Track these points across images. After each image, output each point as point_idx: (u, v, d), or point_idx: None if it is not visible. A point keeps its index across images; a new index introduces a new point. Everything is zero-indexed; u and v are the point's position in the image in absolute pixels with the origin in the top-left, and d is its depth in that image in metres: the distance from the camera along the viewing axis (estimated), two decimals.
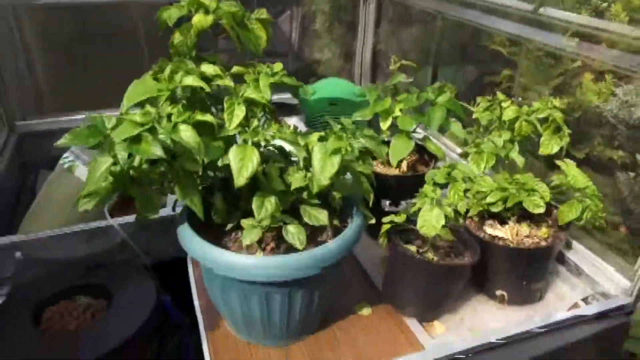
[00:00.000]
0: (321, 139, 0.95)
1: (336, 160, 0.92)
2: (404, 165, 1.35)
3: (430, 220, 0.99)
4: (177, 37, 1.02)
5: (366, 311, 1.19)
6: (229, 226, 1.03)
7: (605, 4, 1.78)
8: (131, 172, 0.87)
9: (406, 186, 1.31)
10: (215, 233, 1.01)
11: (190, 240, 0.97)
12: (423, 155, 1.41)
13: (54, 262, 1.30)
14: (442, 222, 0.98)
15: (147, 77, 0.96)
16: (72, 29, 1.86)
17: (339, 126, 0.98)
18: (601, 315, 1.10)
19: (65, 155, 1.37)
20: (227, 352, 1.08)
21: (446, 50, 1.88)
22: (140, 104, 0.92)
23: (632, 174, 1.63)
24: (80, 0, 1.81)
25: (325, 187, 0.92)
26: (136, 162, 0.86)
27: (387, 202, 1.36)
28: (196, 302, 1.22)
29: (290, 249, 0.97)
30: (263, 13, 1.11)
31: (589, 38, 1.49)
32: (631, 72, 1.42)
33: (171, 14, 0.99)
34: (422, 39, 1.96)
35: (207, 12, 1.03)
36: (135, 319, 1.17)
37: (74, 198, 1.32)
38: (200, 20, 0.99)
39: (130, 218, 1.39)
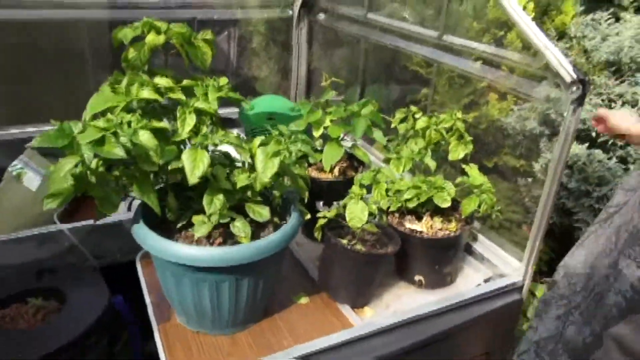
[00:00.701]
0: (262, 144, 1.10)
1: (276, 161, 1.07)
2: (336, 170, 1.52)
3: (357, 212, 1.16)
4: (131, 53, 1.13)
5: (304, 300, 1.34)
6: (180, 224, 1.14)
7: (502, 32, 2.08)
8: (92, 172, 0.97)
9: (338, 189, 1.47)
10: (166, 231, 1.12)
11: (147, 237, 1.07)
12: (352, 162, 1.58)
13: (4, 267, 1.34)
14: (367, 214, 1.15)
15: (105, 88, 1.07)
16: (15, 44, 1.88)
17: (277, 132, 1.13)
18: (500, 292, 1.31)
19: (14, 163, 1.41)
20: (179, 342, 1.18)
21: (372, 69, 2.09)
22: (100, 114, 1.02)
23: (529, 179, 1.91)
24: (24, 17, 1.85)
25: (267, 184, 1.07)
26: (94, 164, 0.97)
27: (321, 203, 1.52)
28: (147, 299, 1.31)
29: (236, 244, 1.10)
30: (208, 34, 1.25)
31: (490, 62, 1.73)
32: (526, 96, 1.63)
33: (127, 34, 1.11)
34: (350, 59, 2.17)
35: (158, 32, 1.15)
36: (87, 318, 1.24)
37: (22, 205, 1.39)
38: (153, 39, 1.12)
39: (79, 224, 1.45)
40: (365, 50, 2.04)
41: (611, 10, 2.22)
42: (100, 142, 0.91)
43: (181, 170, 1.14)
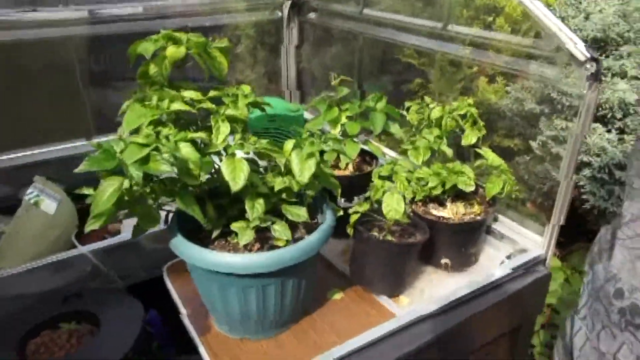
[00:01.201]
0: (295, 147, 1.11)
1: (312, 162, 1.08)
2: (350, 166, 1.55)
3: (394, 205, 1.18)
4: (152, 68, 1.12)
5: (338, 295, 1.36)
6: (216, 232, 1.14)
7: (491, 18, 2.14)
8: (136, 191, 0.96)
9: (356, 184, 1.50)
10: (200, 242, 1.12)
11: (192, 250, 1.07)
12: (365, 157, 1.61)
13: (29, 296, 1.31)
14: (403, 205, 1.18)
15: (134, 104, 1.06)
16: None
17: (308, 134, 1.14)
18: (526, 267, 1.36)
19: (29, 191, 1.38)
20: (223, 351, 1.18)
21: (368, 64, 2.12)
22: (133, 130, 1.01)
23: (527, 158, 1.97)
24: (13, 38, 1.80)
25: (304, 185, 1.08)
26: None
27: (342, 200, 1.54)
28: (183, 311, 1.30)
29: (272, 248, 1.11)
30: (224, 42, 1.25)
31: (483, 46, 1.77)
32: (517, 72, 1.68)
33: (147, 48, 1.10)
34: (344, 55, 2.19)
35: (177, 43, 1.15)
36: (125, 338, 1.23)
37: (42, 230, 1.37)
38: (174, 52, 1.11)
39: (100, 244, 1.43)
40: (362, 46, 2.06)
41: None
42: (145, 159, 0.91)
43: (216, 179, 1.16)
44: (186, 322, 1.26)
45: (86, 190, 1.07)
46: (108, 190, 0.95)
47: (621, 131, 1.77)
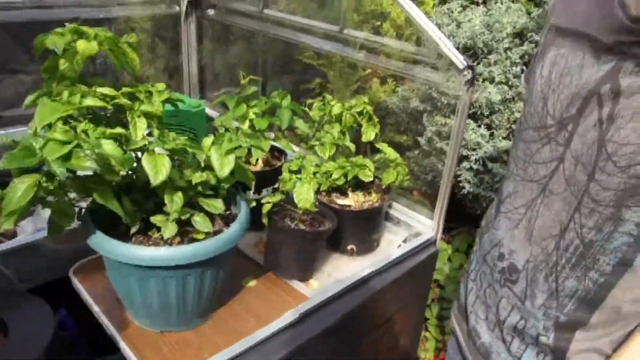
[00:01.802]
0: (214, 143, 1.16)
1: (232, 157, 1.14)
2: (260, 161, 1.62)
3: (304, 194, 1.28)
4: (62, 63, 1.09)
5: (252, 283, 1.43)
6: (135, 227, 1.16)
7: (378, 23, 2.34)
8: (53, 187, 0.95)
9: (265, 178, 1.58)
10: (116, 237, 1.12)
11: (109, 243, 1.08)
12: (273, 152, 1.69)
13: None
14: (313, 195, 1.28)
15: (44, 100, 1.03)
16: None
17: (224, 130, 1.20)
18: (419, 248, 1.55)
19: None
20: (146, 345, 1.20)
21: (269, 63, 2.20)
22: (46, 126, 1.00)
23: (416, 152, 2.20)
24: None
25: (226, 180, 1.14)
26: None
27: (251, 193, 1.61)
28: (96, 309, 1.29)
29: (191, 241, 1.16)
30: (132, 37, 1.25)
31: (373, 50, 1.95)
32: (405, 75, 1.89)
33: (57, 42, 1.07)
34: (246, 53, 2.24)
35: (85, 38, 1.13)
36: (38, 341, 1.19)
37: None
38: (86, 47, 1.10)
39: (1, 246, 1.35)
40: (263, 45, 2.14)
41: (461, 1, 2.60)
42: (67, 156, 0.91)
43: (131, 174, 1.17)
44: (103, 319, 1.25)
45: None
46: (21, 188, 0.93)
47: (488, 127, 2.06)
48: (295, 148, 2.04)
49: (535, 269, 0.92)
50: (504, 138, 2.02)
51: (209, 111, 2.30)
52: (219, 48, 2.34)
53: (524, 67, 2.08)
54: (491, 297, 1.01)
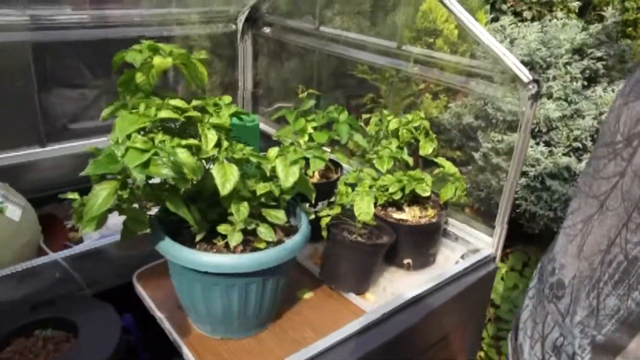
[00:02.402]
0: (279, 154, 1.19)
1: (296, 169, 1.16)
2: (317, 174, 1.64)
3: (364, 207, 1.29)
4: (139, 77, 1.15)
5: (308, 295, 1.44)
6: (201, 235, 1.19)
7: (431, 40, 2.34)
8: (130, 194, 1.00)
9: (321, 191, 1.59)
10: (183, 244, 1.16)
11: (182, 252, 1.11)
12: (328, 166, 1.71)
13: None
14: (372, 208, 1.29)
15: (123, 112, 1.09)
16: None
17: (289, 142, 1.23)
18: (479, 264, 1.52)
19: None
20: (207, 351, 1.22)
21: (323, 78, 2.23)
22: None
23: (470, 168, 2.17)
24: None
25: (289, 191, 1.16)
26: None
27: (307, 205, 1.63)
28: (159, 314, 1.33)
29: (253, 250, 1.18)
30: (202, 54, 1.30)
31: (430, 65, 1.95)
32: (462, 88, 1.88)
33: (135, 57, 1.13)
34: (300, 69, 2.29)
35: (160, 54, 1.19)
36: (105, 343, 1.23)
37: (8, 237, 1.34)
38: (161, 62, 1.15)
39: (72, 251, 1.42)
40: (317, 61, 2.18)
41: (511, 17, 2.58)
42: (146, 163, 0.95)
43: (198, 184, 1.21)
44: (166, 324, 1.29)
45: (71, 195, 1.09)
46: (102, 195, 0.98)
47: (547, 144, 2.01)
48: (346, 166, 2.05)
49: (579, 284, 0.89)
50: (564, 154, 1.97)
51: (262, 126, 2.36)
52: (273, 64, 2.40)
53: (585, 83, 2.03)
54: (540, 314, 0.98)
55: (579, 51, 2.10)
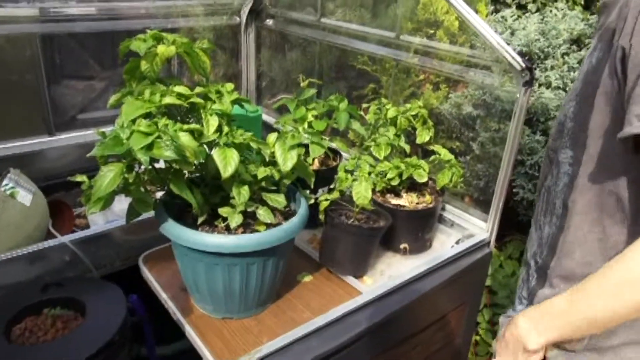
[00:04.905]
0: (278, 139, 1.23)
1: (294, 153, 1.21)
2: (316, 161, 1.68)
3: (362, 192, 1.33)
4: (144, 65, 1.20)
5: (308, 278, 1.48)
6: (202, 217, 1.24)
7: (432, 31, 2.37)
8: (135, 176, 1.05)
9: (321, 178, 1.63)
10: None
11: (185, 232, 1.16)
12: (327, 154, 1.75)
13: (10, 285, 1.33)
14: (370, 192, 1.33)
15: (129, 98, 1.14)
16: None
17: (288, 127, 1.27)
18: (473, 248, 1.56)
19: (5, 182, 1.39)
20: (210, 330, 1.27)
21: (324, 69, 2.27)
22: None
23: (468, 158, 2.20)
24: None
25: (288, 175, 1.21)
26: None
27: (307, 192, 1.67)
28: (164, 295, 1.38)
29: (253, 232, 1.22)
30: (205, 43, 1.35)
31: (429, 55, 1.98)
32: (460, 78, 1.91)
33: (140, 46, 1.18)
34: (302, 60, 2.33)
35: (164, 43, 1.24)
36: (112, 321, 1.28)
37: (21, 220, 1.40)
38: (165, 50, 1.20)
39: (80, 235, 1.47)
40: (319, 52, 2.22)
41: (513, 9, 2.60)
42: (150, 146, 1.00)
43: (201, 168, 1.25)
44: (170, 305, 1.34)
45: (79, 178, 1.15)
46: (109, 176, 1.03)
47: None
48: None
49: (534, 223, 1.13)
50: None
51: (265, 117, 2.40)
52: (276, 56, 2.44)
53: None
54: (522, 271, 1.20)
55: (577, 41, 2.12)
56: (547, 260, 1.03)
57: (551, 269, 1.00)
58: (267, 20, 2.36)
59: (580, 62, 2.02)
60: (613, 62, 0.84)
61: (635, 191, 0.86)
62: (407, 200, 1.56)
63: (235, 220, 1.17)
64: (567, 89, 2.03)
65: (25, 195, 1.41)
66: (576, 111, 0.97)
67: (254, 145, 1.21)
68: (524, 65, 1.34)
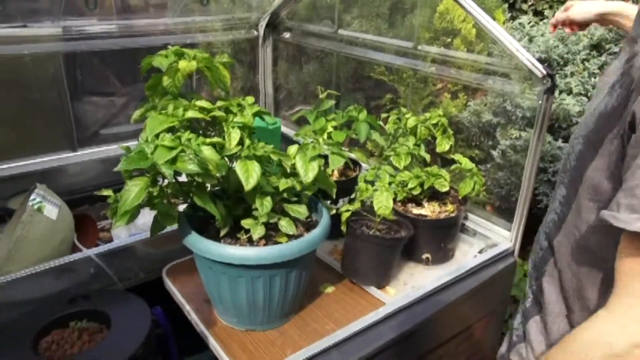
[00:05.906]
0: (299, 151, 1.24)
1: (315, 164, 1.21)
2: (336, 172, 1.69)
3: (383, 202, 1.33)
4: (166, 80, 1.22)
5: (330, 289, 1.48)
6: (225, 229, 1.25)
7: (449, 39, 2.37)
8: (160, 189, 1.06)
9: (341, 189, 1.63)
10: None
11: (204, 243, 1.17)
12: (347, 164, 1.75)
13: (38, 298, 1.35)
14: (392, 202, 1.32)
15: (153, 113, 1.16)
16: None
17: (309, 140, 1.27)
18: (497, 258, 1.54)
19: (32, 197, 1.42)
20: (234, 342, 1.27)
21: (341, 80, 2.28)
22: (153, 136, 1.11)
23: (488, 166, 2.18)
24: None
25: (310, 186, 1.21)
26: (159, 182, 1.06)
27: (328, 202, 1.67)
28: (187, 307, 1.39)
29: (275, 244, 1.22)
30: (225, 57, 1.37)
31: (448, 64, 1.98)
32: (477, 85, 1.91)
33: (162, 62, 1.20)
34: (319, 72, 2.35)
35: (185, 58, 1.26)
36: (137, 334, 1.29)
37: (48, 235, 1.42)
38: (186, 65, 1.22)
39: (105, 248, 1.49)
40: (336, 64, 2.23)
41: (530, 15, 2.59)
42: (174, 160, 1.01)
43: (223, 181, 1.26)
44: (193, 316, 1.34)
45: (105, 192, 1.17)
46: (134, 190, 1.04)
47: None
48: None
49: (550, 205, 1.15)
50: None
51: (284, 129, 2.41)
52: (293, 68, 2.46)
53: None
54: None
55: (597, 47, 2.10)
56: (552, 234, 1.07)
57: (556, 242, 1.06)
58: (284, 33, 2.38)
59: (601, 67, 2.00)
60: (624, 125, 0.81)
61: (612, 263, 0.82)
62: (429, 210, 1.55)
63: (258, 231, 1.18)
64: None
65: (52, 209, 1.44)
66: (582, 151, 0.95)
67: (274, 157, 1.22)
68: (545, 72, 1.33)
